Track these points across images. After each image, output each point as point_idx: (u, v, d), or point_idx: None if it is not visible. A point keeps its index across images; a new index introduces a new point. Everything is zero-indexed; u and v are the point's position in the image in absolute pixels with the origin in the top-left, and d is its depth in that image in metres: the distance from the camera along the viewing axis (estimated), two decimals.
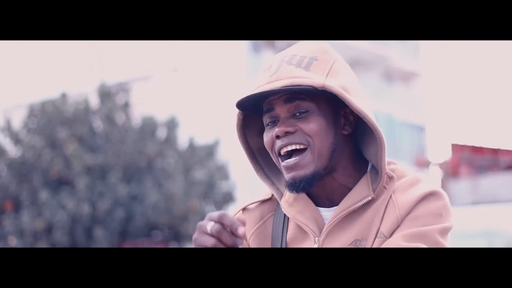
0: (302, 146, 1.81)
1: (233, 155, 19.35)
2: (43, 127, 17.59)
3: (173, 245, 17.94)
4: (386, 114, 29.83)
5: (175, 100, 25.91)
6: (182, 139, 18.93)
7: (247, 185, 21.82)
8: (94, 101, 18.51)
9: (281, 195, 1.94)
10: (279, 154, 1.84)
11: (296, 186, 1.82)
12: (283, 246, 1.92)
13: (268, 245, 1.96)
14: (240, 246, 1.65)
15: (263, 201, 2.00)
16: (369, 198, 1.83)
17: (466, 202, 17.50)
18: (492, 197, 17.36)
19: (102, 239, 16.55)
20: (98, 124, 18.11)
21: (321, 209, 1.89)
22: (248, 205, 2.00)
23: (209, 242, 1.62)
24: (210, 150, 18.65)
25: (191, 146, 18.45)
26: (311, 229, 1.87)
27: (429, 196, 1.81)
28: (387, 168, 1.87)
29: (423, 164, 24.98)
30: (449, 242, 1.81)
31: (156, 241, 17.63)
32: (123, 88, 18.57)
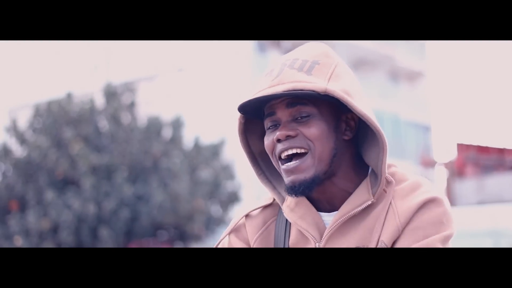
0: (303, 150, 1.81)
1: (239, 155, 19.35)
2: (48, 127, 17.61)
3: (179, 245, 17.95)
4: (391, 114, 29.80)
5: (181, 100, 25.92)
6: (188, 139, 18.93)
7: (252, 185, 21.82)
8: (99, 101, 18.53)
9: (283, 199, 1.94)
10: (280, 157, 1.83)
11: (295, 189, 1.81)
12: None
13: None
14: None
15: (265, 207, 1.99)
16: (369, 202, 1.82)
17: (472, 202, 17.47)
18: (498, 196, 17.33)
19: (107, 239, 16.56)
20: (103, 124, 18.13)
21: (322, 214, 1.89)
22: (250, 211, 1.99)
23: None
24: (215, 150, 18.65)
25: (197, 146, 18.45)
26: (312, 235, 1.86)
27: (428, 203, 1.80)
28: (387, 172, 1.86)
29: (428, 164, 24.97)
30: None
31: (161, 241, 17.64)
32: (129, 88, 18.59)
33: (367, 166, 1.89)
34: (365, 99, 1.86)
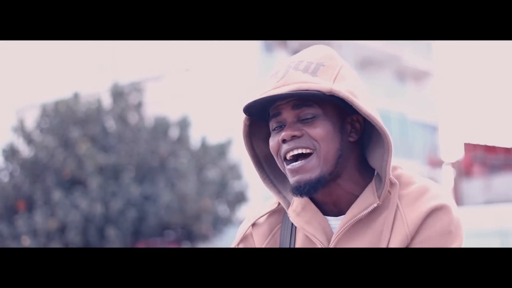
0: (308, 150, 1.80)
1: (246, 155, 19.33)
2: (56, 127, 17.66)
3: (186, 244, 17.97)
4: (398, 114, 29.78)
5: (188, 100, 25.95)
6: (195, 139, 18.95)
7: (259, 184, 21.82)
8: (106, 101, 18.57)
9: (288, 203, 1.93)
10: (285, 158, 1.83)
11: (300, 189, 1.80)
12: None
13: None
14: None
15: (271, 213, 1.99)
16: (375, 205, 1.81)
17: (479, 202, 17.45)
18: (505, 196, 17.32)
19: (115, 239, 16.59)
20: (110, 124, 18.17)
21: (329, 218, 1.88)
22: (257, 219, 1.97)
23: None
24: (222, 150, 18.66)
25: (204, 146, 18.47)
26: (319, 240, 1.85)
27: (436, 211, 1.79)
28: (392, 174, 1.86)
29: (436, 163, 24.96)
30: None
31: (169, 241, 17.67)
32: (136, 88, 18.63)
33: (373, 170, 1.89)
34: (370, 100, 1.86)
